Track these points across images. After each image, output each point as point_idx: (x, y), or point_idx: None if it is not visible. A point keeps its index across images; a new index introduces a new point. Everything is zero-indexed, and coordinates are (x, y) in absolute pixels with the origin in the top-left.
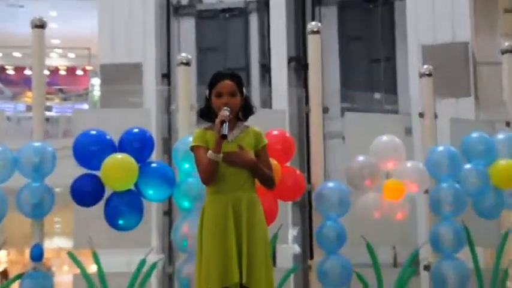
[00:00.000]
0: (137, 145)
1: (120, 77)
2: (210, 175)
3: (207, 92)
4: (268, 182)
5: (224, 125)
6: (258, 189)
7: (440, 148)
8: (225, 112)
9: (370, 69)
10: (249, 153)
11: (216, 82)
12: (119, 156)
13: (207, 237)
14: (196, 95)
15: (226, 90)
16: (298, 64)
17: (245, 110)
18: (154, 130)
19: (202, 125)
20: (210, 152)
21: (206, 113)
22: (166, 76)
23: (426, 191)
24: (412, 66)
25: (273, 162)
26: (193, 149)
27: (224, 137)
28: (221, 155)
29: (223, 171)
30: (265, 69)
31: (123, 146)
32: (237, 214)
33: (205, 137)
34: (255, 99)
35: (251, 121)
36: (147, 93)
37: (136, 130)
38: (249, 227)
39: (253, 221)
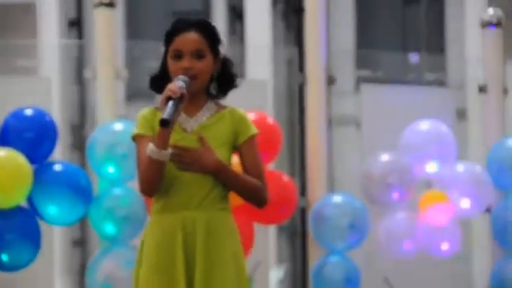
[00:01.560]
0: (30, 135)
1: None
2: (149, 181)
3: (163, 50)
4: (254, 197)
5: (170, 103)
6: (267, 192)
7: (511, 141)
8: (177, 83)
9: (402, 17)
10: (212, 152)
11: (172, 35)
12: (0, 153)
13: (145, 278)
14: (125, 54)
15: (187, 49)
16: (289, 7)
17: (222, 80)
18: (57, 112)
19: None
20: (150, 146)
21: (161, 83)
22: (76, 23)
23: (488, 210)
24: (470, 11)
25: None
26: (135, 139)
27: (164, 123)
28: (169, 151)
29: (175, 176)
30: (236, 14)
31: (7, 136)
32: (191, 244)
33: (154, 120)
34: None
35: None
36: (46, 52)
37: (28, 112)
38: (208, 268)
39: (218, 257)
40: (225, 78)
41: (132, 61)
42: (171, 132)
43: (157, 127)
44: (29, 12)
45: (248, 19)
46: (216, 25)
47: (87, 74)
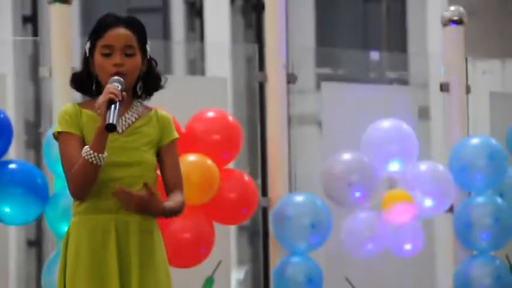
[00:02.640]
0: None
1: None
2: (83, 184)
3: (88, 45)
4: (177, 214)
5: (113, 107)
6: (184, 199)
7: (474, 140)
8: (114, 85)
9: (363, 13)
10: (158, 200)
11: (102, 30)
12: None
13: (75, 282)
14: (80, 51)
15: (119, 44)
16: (248, 4)
17: (148, 80)
18: (12, 109)
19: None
20: (86, 149)
21: (84, 80)
22: (31, 20)
23: (450, 209)
24: (431, 7)
25: (206, 162)
26: (57, 137)
27: (111, 128)
28: (105, 155)
29: (107, 177)
30: (194, 10)
31: None
32: (124, 246)
33: (78, 119)
34: (178, 59)
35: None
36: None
37: None
38: (143, 269)
39: (151, 259)
40: (150, 78)
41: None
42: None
43: (83, 126)
44: None
45: (207, 16)
46: (173, 23)
47: (43, 71)
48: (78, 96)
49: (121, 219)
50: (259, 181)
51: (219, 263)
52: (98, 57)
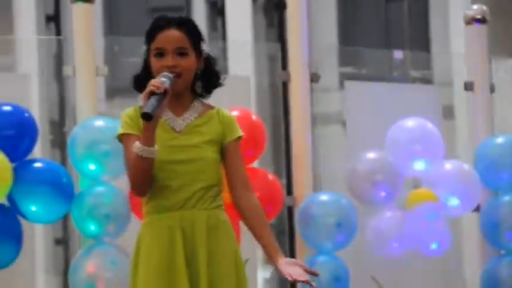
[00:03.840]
0: (9, 133)
1: None
2: (139, 179)
3: (145, 48)
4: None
5: (151, 98)
6: (255, 196)
7: (500, 139)
8: (160, 79)
9: (386, 12)
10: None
11: (154, 32)
12: None
13: (145, 281)
14: (103, 50)
15: (170, 46)
16: (270, 3)
17: (206, 79)
18: (36, 109)
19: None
20: (136, 144)
21: (145, 82)
22: (54, 19)
23: (477, 209)
24: (454, 6)
25: None
26: (121, 138)
27: (146, 116)
28: (155, 148)
29: (170, 176)
30: (216, 9)
31: None
32: (191, 242)
33: (138, 120)
34: None
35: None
36: (24, 48)
37: (7, 108)
38: (211, 263)
39: (219, 253)
40: (209, 76)
41: (111, 57)
42: (157, 130)
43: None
44: (5, 7)
45: (229, 15)
46: (196, 21)
47: (67, 70)
48: (102, 95)
49: (186, 215)
50: (284, 180)
51: (246, 261)
52: (152, 59)
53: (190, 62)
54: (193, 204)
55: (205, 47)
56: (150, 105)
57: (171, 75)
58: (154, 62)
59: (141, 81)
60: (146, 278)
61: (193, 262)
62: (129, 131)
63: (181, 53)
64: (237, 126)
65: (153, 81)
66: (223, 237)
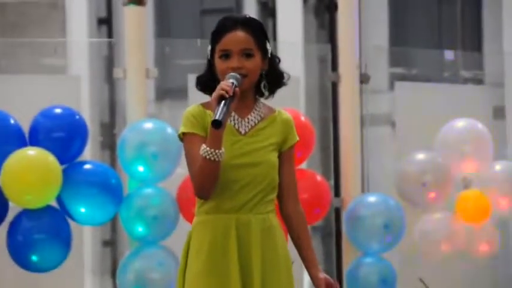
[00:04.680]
0: (60, 134)
1: (27, 22)
2: (203, 182)
3: (209, 49)
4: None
5: (222, 103)
6: (301, 205)
7: None
8: (228, 82)
9: (437, 13)
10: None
11: (219, 34)
12: (30, 152)
13: (194, 281)
14: (154, 52)
15: (236, 48)
16: (321, 4)
17: (270, 80)
18: (87, 111)
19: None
20: (203, 147)
21: (209, 83)
22: (106, 22)
23: None
24: (507, 6)
25: None
26: (182, 137)
27: (217, 124)
28: (222, 151)
29: (231, 178)
30: (267, 10)
31: (36, 135)
32: (245, 246)
33: (204, 120)
34: None
35: None
36: (75, 50)
37: (58, 111)
38: (264, 268)
39: (273, 260)
40: (273, 76)
41: (162, 60)
42: (224, 133)
43: (208, 126)
44: (57, 10)
45: (280, 16)
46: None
47: (117, 72)
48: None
49: (242, 218)
50: (332, 181)
51: (292, 263)
52: (217, 61)
53: (255, 63)
54: (250, 208)
55: (269, 46)
56: (220, 113)
57: (238, 76)
58: (220, 64)
59: (205, 82)
60: (194, 279)
61: (246, 264)
62: (192, 130)
63: (247, 54)
64: (295, 131)
65: (222, 85)
66: (277, 241)
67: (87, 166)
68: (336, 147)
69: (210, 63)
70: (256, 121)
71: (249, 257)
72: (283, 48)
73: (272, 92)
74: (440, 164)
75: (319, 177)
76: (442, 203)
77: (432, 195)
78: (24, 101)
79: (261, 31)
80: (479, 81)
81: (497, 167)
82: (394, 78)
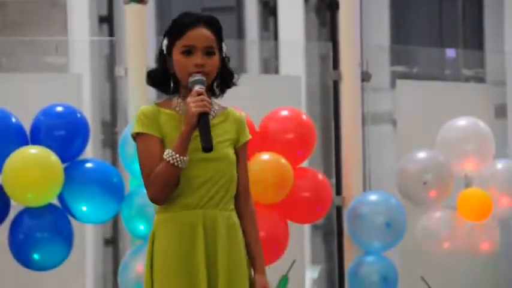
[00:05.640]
0: (61, 133)
1: (28, 21)
2: (164, 188)
3: (165, 42)
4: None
5: (206, 124)
6: (253, 204)
7: None
8: (200, 87)
9: (439, 12)
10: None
11: (183, 29)
12: (32, 151)
13: (165, 281)
14: (155, 51)
15: (200, 44)
16: (322, 2)
17: (222, 78)
18: (88, 109)
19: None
20: (169, 151)
21: (160, 78)
22: (107, 20)
23: None
24: (509, 5)
25: (280, 161)
26: (135, 137)
27: (208, 149)
28: (187, 158)
29: (192, 174)
30: (268, 9)
31: (37, 134)
32: (212, 243)
33: (157, 119)
34: (252, 58)
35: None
36: (76, 49)
37: (59, 109)
38: (230, 266)
39: (237, 256)
40: (225, 76)
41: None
42: (179, 128)
43: (161, 126)
44: (58, 8)
45: (281, 14)
46: (247, 22)
47: (119, 71)
48: (154, 95)
49: (208, 214)
50: (334, 180)
51: (293, 262)
52: (177, 56)
53: (215, 62)
54: (215, 204)
55: (225, 47)
56: (210, 137)
57: (204, 79)
58: (181, 59)
59: (157, 77)
60: (163, 276)
61: (212, 261)
62: (146, 131)
63: (208, 52)
64: (247, 129)
65: (202, 99)
66: (239, 240)
67: (88, 164)
68: (337, 145)
69: (164, 58)
70: (211, 117)
71: (215, 255)
72: (284, 47)
73: (222, 91)
74: (441, 163)
75: (320, 176)
76: (443, 201)
77: (433, 193)
78: (26, 99)
79: (221, 30)
80: (480, 80)
81: (499, 165)
82: (395, 77)
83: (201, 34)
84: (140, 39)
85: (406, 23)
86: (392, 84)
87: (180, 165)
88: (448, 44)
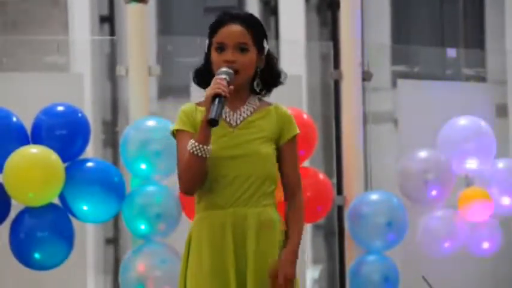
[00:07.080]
0: (62, 132)
1: (29, 20)
2: (188, 178)
3: (207, 42)
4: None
5: (216, 101)
6: (302, 199)
7: None
8: (221, 76)
9: (440, 11)
10: (286, 264)
11: (216, 27)
12: (33, 150)
13: (197, 282)
14: (156, 50)
15: (231, 41)
16: (323, 2)
17: (266, 76)
18: (89, 108)
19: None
20: (191, 141)
21: (205, 77)
22: (108, 20)
23: None
24: (510, 4)
25: None
26: (174, 135)
27: (213, 122)
28: (210, 147)
29: (222, 173)
30: (269, 8)
31: (38, 133)
32: (240, 241)
33: (193, 116)
34: None
35: None
36: (77, 48)
37: (60, 108)
38: (258, 265)
39: (268, 250)
40: (269, 74)
41: (164, 57)
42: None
43: (198, 124)
44: (59, 8)
45: (282, 14)
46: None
47: (120, 70)
48: (154, 94)
49: (238, 212)
50: (335, 179)
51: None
52: (213, 54)
53: (250, 59)
54: (245, 201)
55: (266, 43)
56: (216, 111)
57: (230, 71)
58: (215, 56)
59: (202, 75)
60: (198, 278)
61: (242, 261)
62: (183, 128)
63: (242, 48)
64: (295, 124)
65: (215, 83)
66: (275, 235)
67: (89, 164)
68: (338, 145)
69: (208, 57)
70: (249, 113)
71: (244, 254)
72: (285, 47)
73: (268, 90)
74: (442, 162)
75: (321, 175)
76: (444, 200)
77: (434, 192)
78: (27, 99)
79: (259, 28)
80: (481, 79)
81: (500, 164)
82: (396, 76)
83: (232, 31)
84: (141, 38)
85: (407, 22)
86: (393, 84)
87: (201, 154)
88: (449, 44)
